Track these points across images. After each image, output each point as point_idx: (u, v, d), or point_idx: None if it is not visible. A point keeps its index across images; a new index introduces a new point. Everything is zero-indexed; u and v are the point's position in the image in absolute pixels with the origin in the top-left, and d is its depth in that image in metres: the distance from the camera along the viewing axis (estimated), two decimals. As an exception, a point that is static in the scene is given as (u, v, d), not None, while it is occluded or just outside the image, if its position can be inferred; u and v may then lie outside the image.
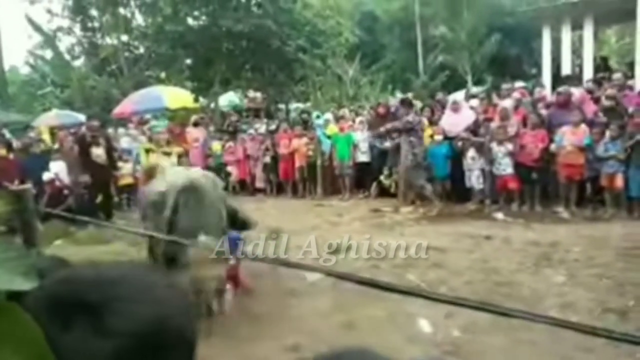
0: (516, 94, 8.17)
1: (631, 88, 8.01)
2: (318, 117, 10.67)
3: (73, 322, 0.53)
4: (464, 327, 3.28)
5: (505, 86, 9.07)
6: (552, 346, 2.91)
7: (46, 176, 7.83)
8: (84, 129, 9.38)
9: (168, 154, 5.40)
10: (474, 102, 8.48)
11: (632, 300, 3.62)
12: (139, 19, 18.62)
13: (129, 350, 0.52)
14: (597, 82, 9.19)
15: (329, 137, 9.06)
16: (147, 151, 5.39)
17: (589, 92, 7.75)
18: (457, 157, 7.56)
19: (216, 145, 10.00)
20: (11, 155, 8.17)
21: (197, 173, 3.86)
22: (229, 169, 10.04)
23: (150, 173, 5.00)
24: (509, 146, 6.89)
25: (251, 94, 13.43)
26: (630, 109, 6.53)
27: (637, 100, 6.99)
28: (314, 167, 9.15)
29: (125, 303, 0.54)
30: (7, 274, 0.56)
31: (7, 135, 9.86)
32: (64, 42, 19.64)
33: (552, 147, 6.71)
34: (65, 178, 8.08)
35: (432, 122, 8.04)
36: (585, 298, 3.75)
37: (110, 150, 8.11)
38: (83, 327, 0.52)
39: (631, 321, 3.33)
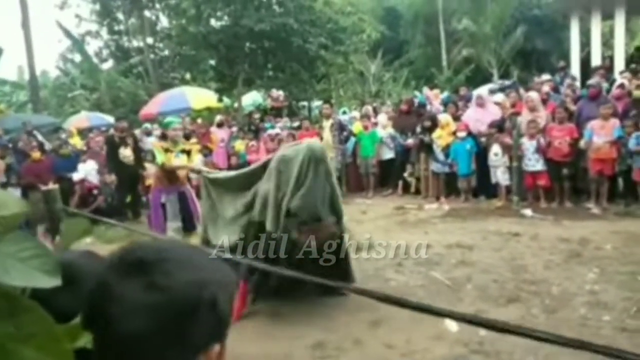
0: (545, 87, 7.98)
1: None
2: (344, 112, 10.64)
3: (133, 275, 0.61)
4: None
5: (536, 79, 8.83)
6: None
7: (76, 177, 8.05)
8: (112, 130, 9.60)
9: (187, 152, 4.99)
10: (500, 96, 8.31)
11: (669, 299, 3.49)
12: (164, 21, 18.96)
13: (170, 305, 0.59)
14: (634, 72, 8.86)
15: (353, 134, 9.03)
16: (166, 151, 4.84)
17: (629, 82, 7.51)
18: (482, 153, 7.43)
19: (239, 145, 10.08)
20: (44, 158, 8.42)
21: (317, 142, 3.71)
22: (253, 167, 10.08)
23: (170, 175, 4.84)
24: (541, 140, 6.72)
25: (274, 92, 13.48)
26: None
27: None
28: (337, 165, 9.12)
29: (173, 265, 0.62)
30: (32, 271, 0.57)
31: (39, 137, 10.17)
32: (92, 46, 20.22)
33: (582, 143, 6.51)
34: (95, 178, 8.29)
35: (456, 118, 7.91)
36: (619, 297, 3.62)
37: (137, 150, 8.29)
38: (139, 281, 0.60)
39: (668, 320, 3.21)
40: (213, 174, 4.48)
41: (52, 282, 0.57)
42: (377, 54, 17.52)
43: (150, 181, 9.03)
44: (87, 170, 8.25)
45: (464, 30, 16.78)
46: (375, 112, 9.89)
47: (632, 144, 6.11)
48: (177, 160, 4.81)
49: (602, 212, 6.28)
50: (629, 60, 12.17)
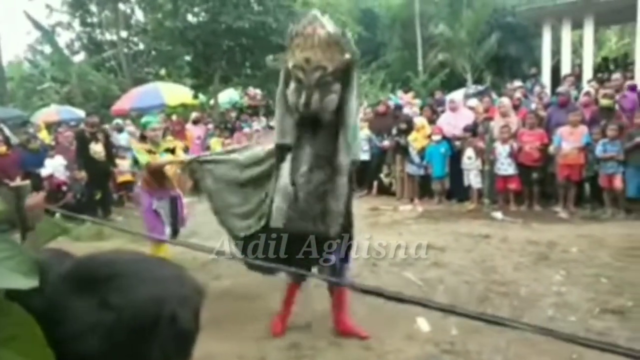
0: (517, 94, 8.20)
1: (632, 89, 8.00)
2: None
3: (85, 293, 0.58)
4: (461, 325, 3.29)
5: (508, 86, 9.07)
6: (547, 345, 2.92)
7: (44, 172, 7.81)
8: (82, 124, 9.36)
9: (172, 151, 4.59)
10: (473, 101, 8.49)
11: (631, 301, 3.63)
12: (139, 15, 18.61)
13: (125, 325, 0.56)
14: (600, 81, 9.20)
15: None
16: (148, 152, 4.45)
17: (596, 90, 7.79)
18: (456, 156, 7.58)
19: (215, 142, 9.98)
20: (10, 152, 8.13)
21: None
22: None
23: (159, 177, 4.40)
24: (514, 144, 6.89)
25: (251, 91, 13.40)
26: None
27: (634, 102, 6.99)
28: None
29: (128, 281, 0.59)
30: (7, 272, 0.56)
31: (6, 131, 9.81)
32: (63, 38, 19.74)
33: (551, 148, 6.72)
34: (63, 174, 8.06)
35: (432, 121, 8.04)
36: (583, 298, 3.75)
37: (108, 146, 8.11)
38: (91, 299, 0.57)
39: (630, 321, 3.34)
40: (203, 157, 3.93)
41: (29, 283, 0.56)
42: (355, 56, 17.61)
43: (123, 178, 8.89)
44: (54, 166, 8.00)
45: (440, 35, 17.04)
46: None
47: (599, 150, 6.33)
48: (163, 160, 4.45)
49: (569, 216, 6.49)
50: (597, 69, 12.61)
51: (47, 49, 19.97)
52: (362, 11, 21.43)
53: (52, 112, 14.97)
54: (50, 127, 12.37)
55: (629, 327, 3.26)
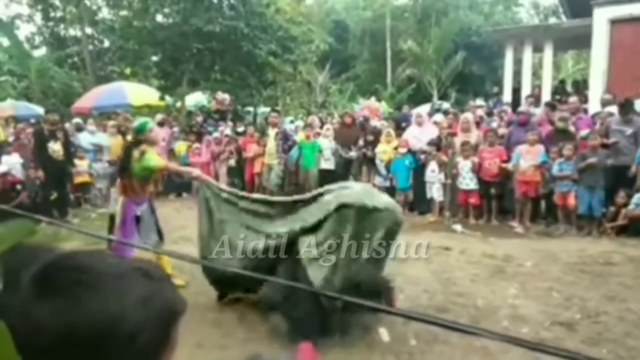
0: (479, 111, 8.49)
1: (585, 111, 8.45)
2: (292, 122, 10.68)
3: (41, 296, 0.55)
4: (421, 335, 3.36)
5: (471, 103, 9.38)
6: (504, 354, 3.02)
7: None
8: (42, 122, 9.01)
9: None
10: (439, 116, 8.73)
11: (579, 314, 3.81)
12: (105, 12, 18.15)
13: (72, 336, 0.54)
14: (551, 105, 9.65)
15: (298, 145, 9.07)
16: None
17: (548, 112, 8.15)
18: (419, 169, 7.75)
19: (181, 146, 9.81)
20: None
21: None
22: (194, 170, 9.85)
23: (145, 183, 4.26)
24: (475, 159, 7.11)
25: (219, 95, 13.26)
26: (583, 132, 6.88)
27: (589, 124, 7.38)
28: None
29: (86, 291, 0.56)
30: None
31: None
32: (24, 31, 18.96)
33: (509, 165, 6.98)
34: (19, 173, 7.73)
35: (398, 134, 8.21)
36: (536, 310, 3.90)
37: (68, 146, 7.84)
38: (51, 306, 0.55)
39: (578, 333, 3.50)
40: (222, 190, 4.03)
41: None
42: (325, 66, 17.81)
43: (80, 179, 8.60)
44: (11, 164, 7.66)
45: (408, 50, 17.45)
46: (322, 122, 10.02)
47: (555, 169, 6.63)
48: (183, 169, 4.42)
49: (525, 231, 6.74)
50: (554, 92, 13.23)
51: (5, 42, 19.11)
52: (333, 22, 21.71)
53: (7, 107, 14.30)
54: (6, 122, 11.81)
55: (577, 338, 3.41)
